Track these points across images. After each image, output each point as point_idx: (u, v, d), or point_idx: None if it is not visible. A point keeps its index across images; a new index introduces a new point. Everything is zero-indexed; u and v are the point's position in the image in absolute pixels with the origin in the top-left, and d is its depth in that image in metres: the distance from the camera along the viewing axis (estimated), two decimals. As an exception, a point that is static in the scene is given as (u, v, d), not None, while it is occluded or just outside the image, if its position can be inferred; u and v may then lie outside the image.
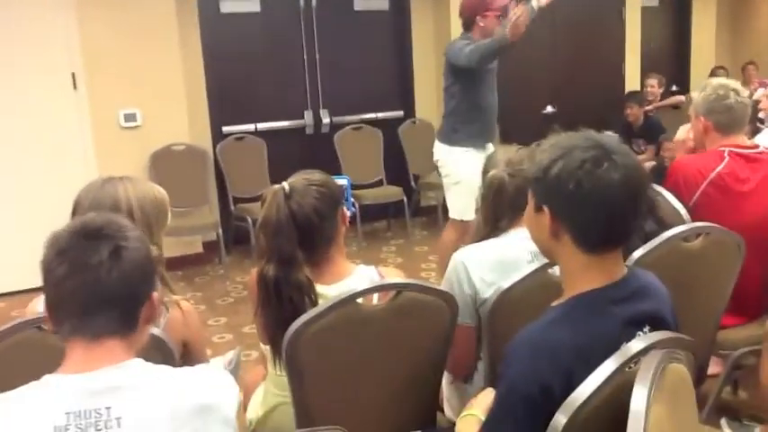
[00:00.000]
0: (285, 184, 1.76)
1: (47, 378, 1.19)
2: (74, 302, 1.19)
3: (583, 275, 1.35)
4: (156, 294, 1.27)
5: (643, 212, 1.37)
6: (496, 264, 1.88)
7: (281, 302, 1.67)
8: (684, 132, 2.82)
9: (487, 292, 1.87)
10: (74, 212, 1.77)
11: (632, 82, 7.23)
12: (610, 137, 1.37)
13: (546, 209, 1.34)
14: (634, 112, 6.18)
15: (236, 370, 2.39)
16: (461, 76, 4.07)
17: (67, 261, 1.18)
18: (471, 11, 4.01)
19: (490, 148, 4.15)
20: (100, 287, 1.17)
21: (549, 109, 6.90)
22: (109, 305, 1.19)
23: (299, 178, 1.80)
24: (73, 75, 4.98)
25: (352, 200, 2.15)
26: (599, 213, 1.30)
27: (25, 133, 4.95)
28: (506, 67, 6.53)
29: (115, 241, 1.20)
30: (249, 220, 5.39)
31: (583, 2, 6.90)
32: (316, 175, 1.82)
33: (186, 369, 1.27)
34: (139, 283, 1.22)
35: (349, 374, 1.66)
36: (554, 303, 1.39)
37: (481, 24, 3.99)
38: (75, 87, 5.01)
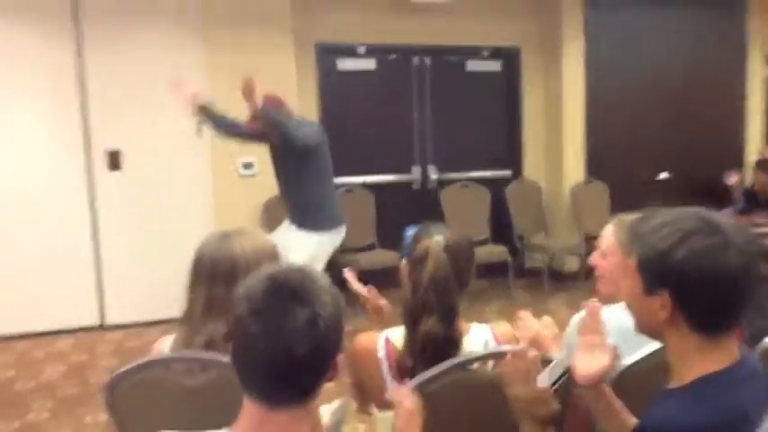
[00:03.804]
0: (441, 239, 1.74)
1: None
2: (261, 366, 1.13)
3: (698, 358, 1.32)
4: (342, 356, 1.20)
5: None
6: (619, 328, 1.82)
7: (435, 362, 1.62)
8: None
9: None
10: (194, 268, 1.82)
11: (752, 151, 6.94)
12: (719, 216, 1.34)
13: (664, 293, 1.31)
14: (762, 181, 5.87)
15: (340, 422, 2.42)
16: None
17: (262, 322, 1.11)
18: None
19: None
20: (291, 357, 1.10)
21: (663, 176, 6.69)
22: (297, 375, 1.14)
23: (450, 233, 1.78)
24: (198, 123, 5.28)
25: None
26: (721, 299, 1.29)
27: (153, 175, 5.29)
28: (619, 128, 6.50)
29: (313, 308, 1.12)
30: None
31: (703, 64, 6.72)
32: (456, 231, 1.82)
33: None
34: (330, 351, 1.16)
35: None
36: (671, 386, 1.35)
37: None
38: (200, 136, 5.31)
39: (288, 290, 1.14)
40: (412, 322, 1.73)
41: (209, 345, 1.70)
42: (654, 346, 1.69)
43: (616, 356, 1.45)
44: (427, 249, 1.73)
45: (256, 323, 1.12)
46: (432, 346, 1.68)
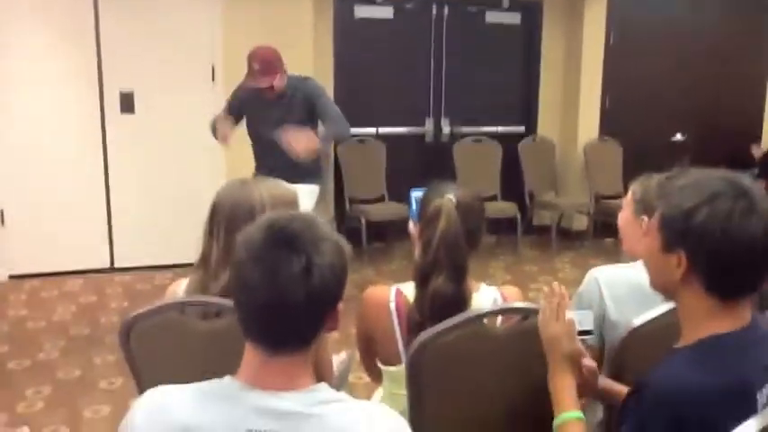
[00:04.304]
0: (452, 198, 1.74)
1: (230, 383, 1.17)
2: (258, 312, 1.15)
3: (709, 320, 1.32)
4: (341, 305, 1.21)
5: None
6: (633, 287, 1.84)
7: (443, 319, 1.63)
8: None
9: (615, 314, 1.84)
10: (212, 214, 1.82)
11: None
12: (749, 181, 1.33)
13: (681, 252, 1.31)
14: None
15: (346, 371, 2.44)
16: None
17: (260, 269, 1.12)
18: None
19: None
20: (286, 303, 1.12)
21: (678, 137, 6.61)
22: (292, 322, 1.15)
23: (461, 192, 1.78)
24: (212, 67, 5.25)
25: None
26: (740, 263, 1.29)
27: (165, 119, 5.26)
28: (636, 87, 6.39)
29: (308, 257, 1.12)
30: (363, 220, 5.51)
31: (727, 28, 6.56)
32: (467, 190, 1.82)
33: (370, 405, 1.25)
34: (327, 299, 1.16)
35: (468, 394, 1.65)
36: (678, 345, 1.36)
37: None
38: (213, 79, 5.27)
39: (285, 237, 1.14)
40: (422, 280, 1.74)
41: (226, 291, 1.71)
42: (665, 306, 1.70)
43: (593, 371, 1.59)
44: (440, 207, 1.73)
45: (254, 269, 1.13)
46: (440, 303, 1.69)
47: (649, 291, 1.79)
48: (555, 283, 1.62)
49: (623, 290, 1.88)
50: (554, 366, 1.55)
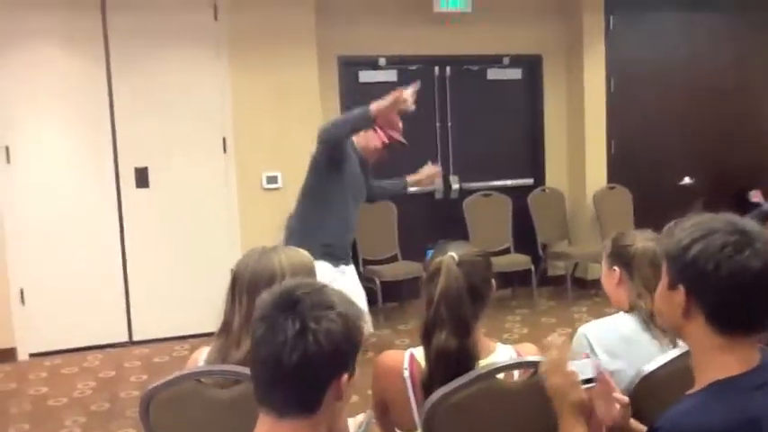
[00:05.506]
0: (454, 256, 1.76)
1: None
2: (259, 372, 1.19)
3: (716, 359, 1.34)
4: (346, 376, 1.21)
5: None
6: (621, 336, 1.93)
7: (452, 376, 1.64)
8: None
9: (610, 365, 1.86)
10: (234, 282, 1.86)
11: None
12: (753, 224, 1.37)
13: (681, 287, 1.35)
14: None
15: (365, 433, 2.43)
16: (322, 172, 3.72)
17: (263, 328, 1.18)
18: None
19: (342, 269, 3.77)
20: (279, 365, 1.15)
21: (687, 180, 6.64)
22: (286, 384, 1.18)
23: (464, 249, 1.80)
24: (224, 139, 5.38)
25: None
26: (735, 298, 1.31)
27: (179, 191, 5.37)
28: (641, 133, 6.45)
29: (304, 322, 1.16)
30: (377, 281, 5.52)
31: (726, 69, 6.62)
32: (471, 247, 1.85)
33: None
34: (323, 367, 1.18)
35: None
36: (689, 392, 1.37)
37: (367, 133, 3.89)
38: (224, 151, 5.40)
39: (289, 301, 1.19)
40: (426, 337, 1.75)
41: (247, 360, 1.73)
42: (650, 349, 1.77)
43: (626, 404, 1.60)
44: (439, 265, 1.75)
45: (258, 330, 1.19)
46: (445, 360, 1.69)
47: (636, 337, 1.89)
48: (554, 334, 1.65)
49: (613, 340, 1.94)
50: (562, 417, 1.57)
